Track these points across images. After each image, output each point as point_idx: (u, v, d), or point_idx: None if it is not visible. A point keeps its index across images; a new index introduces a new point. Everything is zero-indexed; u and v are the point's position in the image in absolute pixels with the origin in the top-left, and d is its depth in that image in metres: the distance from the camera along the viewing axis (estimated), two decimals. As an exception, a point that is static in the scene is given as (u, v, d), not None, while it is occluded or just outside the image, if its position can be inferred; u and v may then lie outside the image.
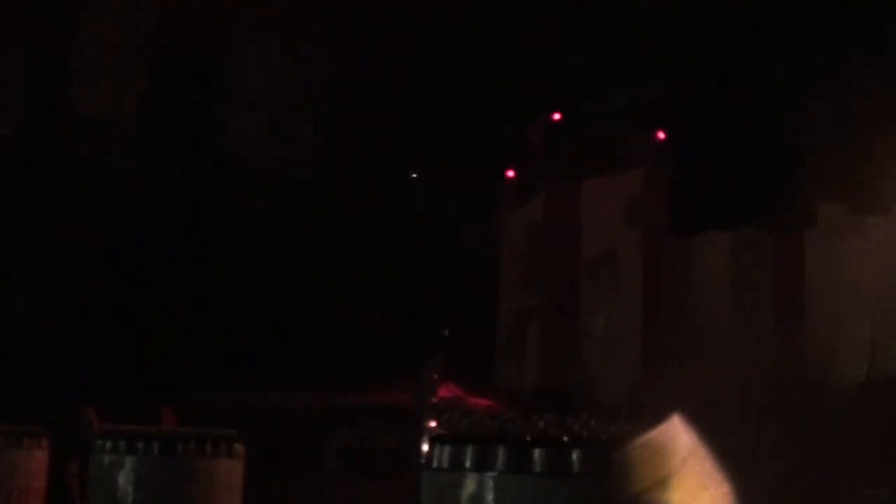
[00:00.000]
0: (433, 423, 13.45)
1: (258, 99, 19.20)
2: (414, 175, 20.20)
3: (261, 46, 19.22)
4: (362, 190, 18.80)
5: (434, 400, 14.97)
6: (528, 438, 5.20)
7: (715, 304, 16.23)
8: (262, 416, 16.64)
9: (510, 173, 18.52)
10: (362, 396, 16.71)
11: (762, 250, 15.57)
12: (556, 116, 17.64)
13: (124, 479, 8.73)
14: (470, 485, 5.28)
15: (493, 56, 16.78)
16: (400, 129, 18.43)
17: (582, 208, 18.56)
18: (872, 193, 12.20)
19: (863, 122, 11.80)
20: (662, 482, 5.02)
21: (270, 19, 18.74)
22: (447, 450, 5.44)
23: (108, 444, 8.84)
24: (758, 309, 15.63)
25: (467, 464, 5.31)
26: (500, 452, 5.22)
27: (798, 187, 12.37)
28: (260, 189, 18.46)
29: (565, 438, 5.15)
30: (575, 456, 5.10)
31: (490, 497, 5.22)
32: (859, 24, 11.87)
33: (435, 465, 5.51)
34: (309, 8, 18.77)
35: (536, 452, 5.15)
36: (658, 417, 5.16)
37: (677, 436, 5.26)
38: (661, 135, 16.04)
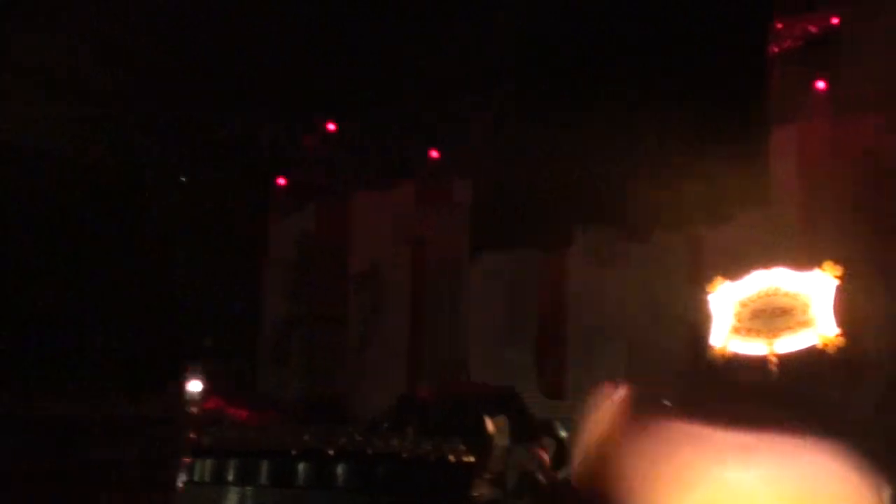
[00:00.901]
0: (193, 435, 13.13)
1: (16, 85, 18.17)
2: (182, 178, 19.70)
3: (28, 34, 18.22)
4: (124, 191, 18.15)
5: (195, 411, 14.63)
6: (293, 452, 5.14)
7: (483, 317, 16.52)
8: (7, 424, 15.93)
9: (281, 181, 18.32)
10: (118, 405, 16.19)
11: (529, 268, 15.96)
12: (331, 126, 17.56)
13: None
14: (231, 498, 5.18)
15: (273, 61, 16.53)
16: (168, 131, 17.92)
17: (352, 220, 18.58)
18: (633, 220, 12.66)
19: (624, 154, 12.21)
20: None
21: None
22: (208, 463, 5.32)
23: None
24: (524, 323, 15.99)
25: (229, 477, 5.22)
26: (263, 466, 5.14)
27: (562, 211, 12.70)
28: (13, 186, 17.48)
29: (330, 452, 5.12)
30: (340, 469, 5.07)
31: (252, 511, 5.14)
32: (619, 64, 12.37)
33: (196, 478, 5.38)
34: None
35: (301, 466, 5.10)
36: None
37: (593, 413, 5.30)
38: (435, 153, 16.21)
